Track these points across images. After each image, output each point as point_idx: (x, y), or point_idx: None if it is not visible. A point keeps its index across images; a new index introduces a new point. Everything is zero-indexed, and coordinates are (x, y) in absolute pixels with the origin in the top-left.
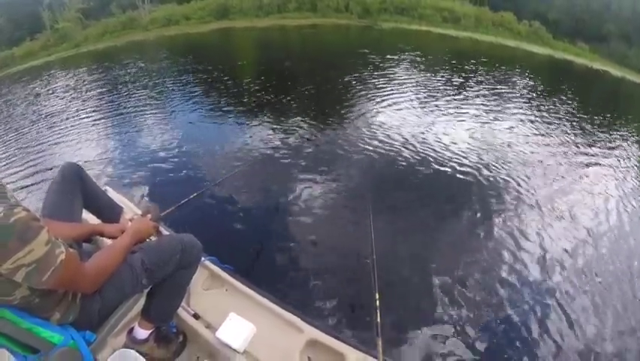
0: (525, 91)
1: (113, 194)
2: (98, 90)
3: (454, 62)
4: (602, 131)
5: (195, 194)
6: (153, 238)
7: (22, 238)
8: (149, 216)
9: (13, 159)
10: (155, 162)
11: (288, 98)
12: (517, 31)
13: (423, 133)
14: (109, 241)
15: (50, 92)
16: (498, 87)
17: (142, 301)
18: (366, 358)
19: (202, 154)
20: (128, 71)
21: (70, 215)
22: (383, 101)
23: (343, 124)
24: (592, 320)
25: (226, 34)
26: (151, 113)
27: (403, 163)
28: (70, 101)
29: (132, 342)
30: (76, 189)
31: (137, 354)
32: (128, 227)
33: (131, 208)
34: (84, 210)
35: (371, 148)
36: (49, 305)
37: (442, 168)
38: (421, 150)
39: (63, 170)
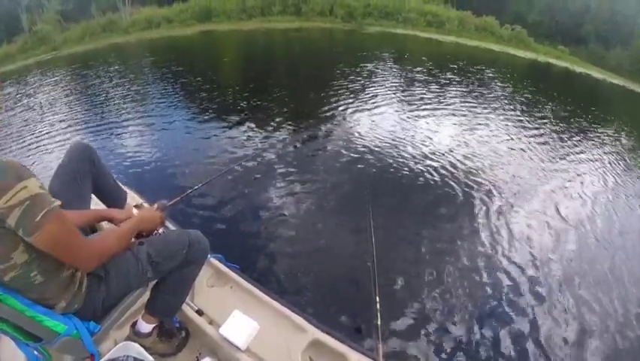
0: (509, 94)
1: None
2: (79, 93)
3: (439, 65)
4: (583, 132)
5: (200, 185)
6: (160, 230)
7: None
8: (156, 206)
9: None
10: (145, 163)
11: (281, 100)
12: (500, 35)
13: (414, 135)
14: None
15: (30, 95)
16: (483, 91)
17: (146, 295)
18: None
19: (195, 156)
20: (110, 74)
21: (78, 203)
22: (372, 103)
23: (337, 127)
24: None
25: (210, 37)
26: (137, 116)
27: (399, 166)
28: (50, 103)
29: (135, 335)
30: (85, 172)
31: (140, 348)
32: (135, 213)
33: (138, 200)
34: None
35: (367, 151)
36: (55, 292)
37: (438, 170)
38: (416, 153)
39: (71, 151)
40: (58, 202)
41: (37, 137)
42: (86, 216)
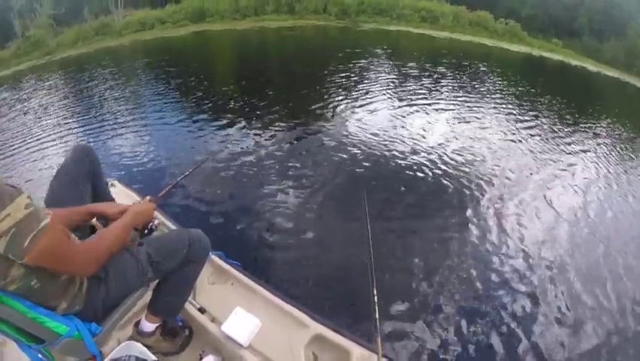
0: (503, 88)
1: (120, 187)
2: (74, 96)
3: (432, 61)
4: (577, 124)
5: (188, 172)
6: (156, 223)
7: None
8: (148, 198)
9: None
10: (140, 161)
11: (275, 98)
12: (494, 29)
13: (408, 130)
14: None
15: (24, 100)
16: (476, 85)
17: (148, 295)
18: (370, 355)
19: (190, 154)
20: (104, 77)
21: (78, 203)
22: (366, 99)
23: (331, 123)
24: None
25: (204, 38)
26: (131, 117)
27: (395, 161)
28: (45, 108)
29: (138, 335)
30: (86, 173)
31: (143, 347)
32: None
33: (135, 199)
34: None
35: (362, 146)
36: (54, 293)
37: (434, 164)
38: (411, 147)
39: (74, 152)
40: (47, 219)
41: (32, 140)
42: (77, 213)
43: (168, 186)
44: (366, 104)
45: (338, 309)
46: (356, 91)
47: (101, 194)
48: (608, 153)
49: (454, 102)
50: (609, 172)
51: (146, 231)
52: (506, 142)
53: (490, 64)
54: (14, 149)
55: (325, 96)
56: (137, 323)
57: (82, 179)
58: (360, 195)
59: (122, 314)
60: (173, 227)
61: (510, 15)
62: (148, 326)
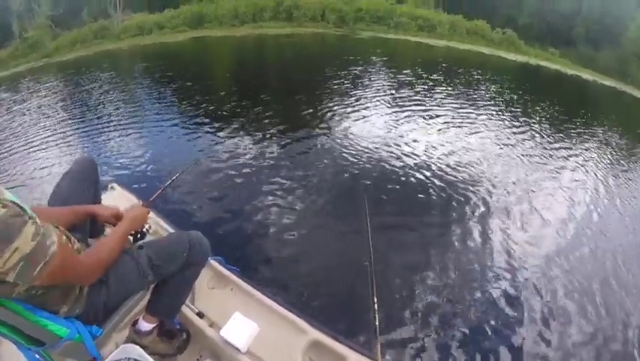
0: (500, 98)
1: (119, 190)
2: (72, 99)
3: (429, 69)
4: (571, 133)
5: (177, 174)
6: (146, 227)
7: (5, 236)
8: (141, 202)
9: None
10: (136, 164)
11: (273, 104)
12: (491, 38)
13: (407, 137)
14: None
15: (21, 102)
16: (472, 94)
17: (147, 297)
18: None
19: (188, 157)
20: (102, 81)
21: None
22: (364, 106)
23: (331, 130)
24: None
25: (202, 44)
26: (129, 121)
27: (395, 167)
28: (42, 110)
29: (135, 334)
30: (91, 182)
31: (141, 350)
32: (123, 213)
33: (134, 201)
34: None
35: (362, 153)
36: (56, 298)
37: (434, 172)
38: (411, 154)
39: (79, 163)
40: (53, 246)
41: (29, 140)
42: (75, 212)
43: (159, 189)
44: (363, 110)
45: (337, 315)
46: (354, 98)
47: (97, 199)
48: (602, 161)
49: (451, 110)
50: (603, 181)
51: (139, 235)
52: (505, 151)
53: (487, 73)
54: (11, 149)
55: (323, 102)
56: (135, 323)
57: (86, 186)
58: (358, 202)
59: (122, 317)
60: (171, 230)
61: (507, 24)
62: (145, 326)
